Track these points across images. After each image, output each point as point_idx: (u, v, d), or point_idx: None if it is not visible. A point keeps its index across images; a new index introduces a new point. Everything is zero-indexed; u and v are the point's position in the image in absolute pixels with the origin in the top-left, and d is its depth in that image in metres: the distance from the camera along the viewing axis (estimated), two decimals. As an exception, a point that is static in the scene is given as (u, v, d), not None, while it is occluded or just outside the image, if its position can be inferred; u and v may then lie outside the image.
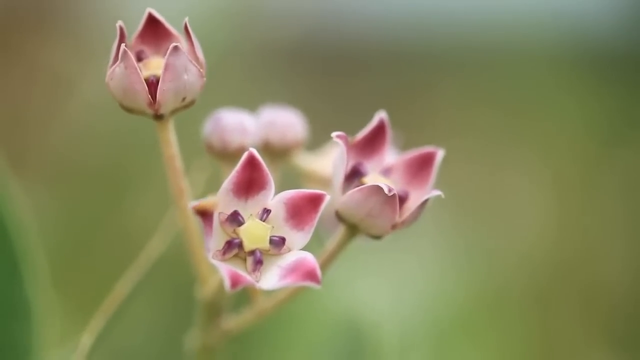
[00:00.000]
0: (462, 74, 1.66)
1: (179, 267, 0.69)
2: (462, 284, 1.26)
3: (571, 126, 1.48)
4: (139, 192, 1.24)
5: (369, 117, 0.49)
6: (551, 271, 1.34)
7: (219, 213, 0.44)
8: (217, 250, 0.45)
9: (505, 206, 1.48)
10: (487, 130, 1.59)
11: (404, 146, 0.54)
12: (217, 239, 0.45)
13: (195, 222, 0.48)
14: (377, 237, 0.48)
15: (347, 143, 0.47)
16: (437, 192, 0.47)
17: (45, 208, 1.19)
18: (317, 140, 0.59)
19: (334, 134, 0.46)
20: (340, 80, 1.78)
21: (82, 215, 1.22)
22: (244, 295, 0.50)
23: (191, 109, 0.48)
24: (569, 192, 1.45)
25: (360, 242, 0.49)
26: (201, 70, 0.46)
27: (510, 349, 1.22)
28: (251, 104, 0.58)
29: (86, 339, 0.53)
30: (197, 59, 0.47)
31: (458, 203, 1.43)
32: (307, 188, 0.50)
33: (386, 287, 1.17)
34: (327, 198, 0.44)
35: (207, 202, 0.44)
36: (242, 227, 0.45)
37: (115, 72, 0.46)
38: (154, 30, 0.48)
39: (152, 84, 0.46)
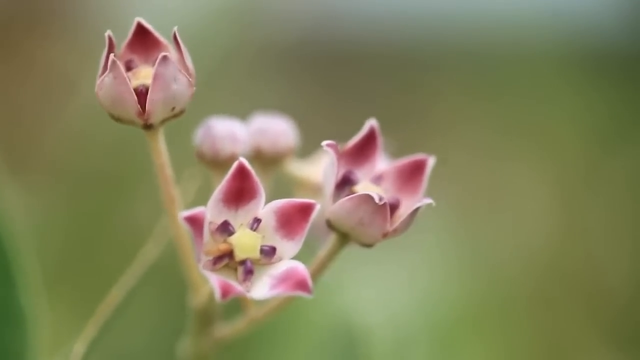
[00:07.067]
0: (462, 75, 1.66)
1: (171, 275, 0.69)
2: (465, 285, 1.26)
3: (573, 126, 1.48)
4: (137, 195, 1.24)
5: (366, 120, 0.49)
6: (556, 273, 1.34)
7: (210, 223, 0.44)
8: (208, 260, 0.45)
9: (509, 207, 1.47)
10: (490, 130, 1.59)
11: (401, 151, 0.54)
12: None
13: (186, 230, 0.48)
14: (368, 246, 0.47)
15: (337, 151, 0.47)
16: (428, 200, 0.47)
17: (42, 210, 1.18)
18: (310, 146, 0.59)
19: (324, 143, 0.46)
20: (335, 84, 1.77)
21: (78, 218, 1.22)
22: (236, 302, 0.50)
23: (184, 116, 0.47)
24: (573, 193, 1.44)
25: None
26: (190, 79, 0.46)
27: (515, 351, 1.21)
28: (248, 107, 0.57)
29: (79, 346, 0.53)
30: (186, 68, 0.46)
31: (461, 203, 1.43)
32: (299, 196, 0.50)
33: (387, 288, 1.16)
34: (318, 207, 0.44)
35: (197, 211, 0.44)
36: (233, 237, 0.45)
37: (104, 82, 0.46)
38: (143, 39, 0.47)
39: (142, 94, 0.46)
